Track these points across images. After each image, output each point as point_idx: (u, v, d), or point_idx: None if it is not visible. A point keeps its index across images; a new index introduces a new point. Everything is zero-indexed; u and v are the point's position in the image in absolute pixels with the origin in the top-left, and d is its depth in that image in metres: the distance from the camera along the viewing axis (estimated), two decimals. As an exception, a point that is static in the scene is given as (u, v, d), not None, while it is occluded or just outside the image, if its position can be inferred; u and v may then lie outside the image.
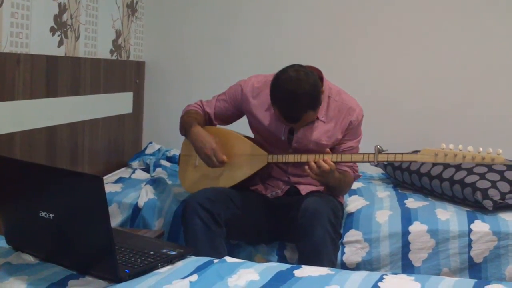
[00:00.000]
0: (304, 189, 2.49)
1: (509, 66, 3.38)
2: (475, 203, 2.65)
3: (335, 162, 2.29)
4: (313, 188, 2.50)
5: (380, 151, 2.25)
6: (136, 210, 2.71)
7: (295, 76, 2.22)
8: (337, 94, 2.47)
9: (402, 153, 2.25)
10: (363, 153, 2.31)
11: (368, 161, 2.28)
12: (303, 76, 2.23)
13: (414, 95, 3.49)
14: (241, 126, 2.66)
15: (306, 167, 2.27)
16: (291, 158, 2.38)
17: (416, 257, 2.47)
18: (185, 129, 2.54)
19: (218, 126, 2.66)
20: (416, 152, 2.26)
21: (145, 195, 2.76)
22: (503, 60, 3.39)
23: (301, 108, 2.24)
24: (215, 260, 1.77)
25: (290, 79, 2.23)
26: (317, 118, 2.42)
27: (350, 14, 3.50)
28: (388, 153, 2.25)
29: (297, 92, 2.21)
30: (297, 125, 2.35)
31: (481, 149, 2.11)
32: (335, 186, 2.42)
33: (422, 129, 3.47)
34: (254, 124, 2.55)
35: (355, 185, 3.00)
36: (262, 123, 2.49)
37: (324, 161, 2.24)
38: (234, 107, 2.58)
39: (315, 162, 2.25)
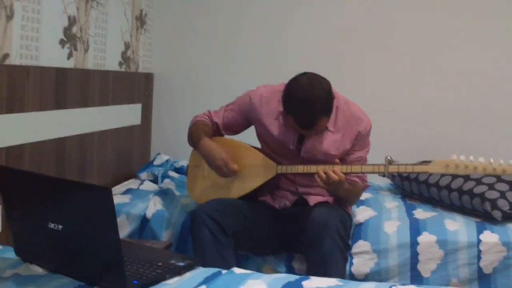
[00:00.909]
0: (312, 200, 2.49)
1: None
2: (484, 213, 2.64)
3: (345, 173, 2.28)
4: (321, 198, 2.49)
5: (390, 162, 2.24)
6: (144, 221, 2.71)
7: (309, 83, 2.25)
8: (345, 104, 2.48)
9: (412, 164, 2.23)
10: (373, 164, 2.29)
11: (378, 172, 2.27)
12: (316, 82, 2.25)
13: (422, 102, 3.49)
14: (249, 137, 2.66)
15: (316, 176, 2.27)
16: (300, 169, 2.37)
17: (425, 268, 2.46)
18: (193, 141, 2.56)
19: (226, 136, 2.66)
20: (426, 163, 2.24)
21: (153, 206, 2.77)
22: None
23: (316, 114, 2.25)
24: (223, 271, 1.77)
25: (304, 86, 2.25)
26: (326, 128, 2.43)
27: (356, 24, 3.50)
28: (398, 164, 2.24)
29: (311, 97, 2.23)
30: (311, 132, 2.34)
31: (492, 160, 2.09)
32: (344, 197, 2.41)
33: (431, 136, 3.47)
34: (262, 133, 2.55)
35: (363, 196, 2.99)
36: (270, 132, 2.49)
37: (333, 171, 2.24)
38: (242, 117, 2.59)
39: (324, 173, 2.25)
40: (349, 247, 2.40)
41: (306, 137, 2.41)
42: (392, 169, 2.24)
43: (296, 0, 3.60)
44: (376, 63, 3.52)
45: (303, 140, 2.45)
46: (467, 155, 2.16)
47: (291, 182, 2.53)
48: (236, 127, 2.64)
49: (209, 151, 2.46)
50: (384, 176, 2.31)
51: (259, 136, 2.59)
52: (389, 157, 2.24)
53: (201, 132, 2.53)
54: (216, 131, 2.63)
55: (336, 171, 2.24)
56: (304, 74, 2.30)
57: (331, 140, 2.44)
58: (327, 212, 2.30)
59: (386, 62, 3.52)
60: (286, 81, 2.41)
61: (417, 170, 2.24)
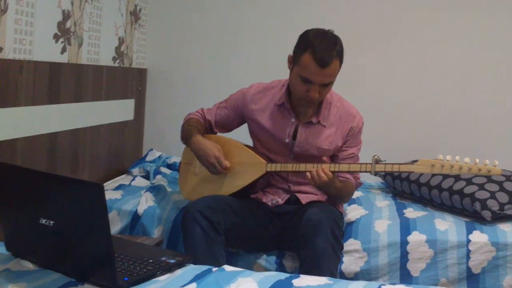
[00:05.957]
0: (304, 198, 2.50)
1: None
2: (474, 213, 2.66)
3: (333, 172, 2.28)
4: (313, 197, 2.50)
5: (377, 161, 2.25)
6: (135, 217, 2.71)
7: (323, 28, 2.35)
8: (338, 100, 2.50)
9: (399, 164, 2.25)
10: (361, 163, 2.30)
11: (366, 171, 2.28)
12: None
13: (413, 103, 3.51)
14: (241, 134, 2.67)
15: (308, 174, 2.27)
16: (289, 167, 2.38)
17: (415, 267, 2.47)
18: (185, 138, 2.56)
19: (218, 134, 2.67)
20: (413, 162, 2.26)
21: (144, 202, 2.77)
22: (506, 66, 3.40)
23: (333, 47, 2.28)
24: (214, 269, 1.78)
25: (319, 28, 2.35)
26: (319, 122, 2.44)
27: (351, 23, 3.51)
28: (385, 163, 2.26)
29: (330, 32, 2.34)
30: (322, 74, 2.27)
31: (477, 160, 2.11)
32: (336, 195, 2.42)
33: (421, 137, 3.49)
34: (255, 130, 2.56)
35: (354, 194, 3.00)
36: (265, 127, 2.50)
37: (322, 169, 2.25)
38: (235, 114, 2.59)
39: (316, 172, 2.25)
40: (342, 247, 2.40)
41: (311, 91, 2.30)
42: (379, 168, 2.25)
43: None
44: (369, 62, 3.53)
45: (296, 134, 2.46)
46: (454, 155, 2.17)
47: (283, 180, 2.54)
48: (228, 125, 2.64)
49: (201, 147, 2.46)
50: (371, 174, 2.33)
51: (252, 133, 2.60)
52: (376, 156, 2.26)
53: (193, 129, 2.53)
54: (209, 128, 2.63)
55: (324, 170, 2.24)
56: None
57: (324, 135, 2.45)
58: (321, 211, 2.30)
59: (379, 61, 3.53)
60: (281, 78, 2.43)
61: (403, 169, 2.25)
